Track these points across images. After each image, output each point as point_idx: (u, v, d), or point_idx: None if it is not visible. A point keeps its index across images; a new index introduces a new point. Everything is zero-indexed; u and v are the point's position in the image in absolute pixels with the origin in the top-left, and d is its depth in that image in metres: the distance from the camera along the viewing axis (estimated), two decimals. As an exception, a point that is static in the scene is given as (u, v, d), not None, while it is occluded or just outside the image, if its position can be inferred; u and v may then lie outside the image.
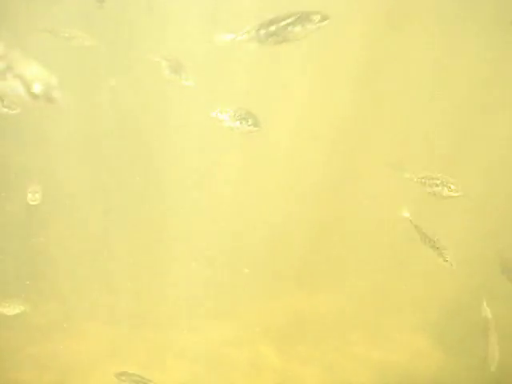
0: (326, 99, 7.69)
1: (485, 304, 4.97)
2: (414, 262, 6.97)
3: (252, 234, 7.20)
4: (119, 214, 7.18)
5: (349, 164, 7.61)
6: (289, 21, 2.95)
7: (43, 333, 6.24)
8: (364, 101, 7.61)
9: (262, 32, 3.08)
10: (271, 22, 3.03)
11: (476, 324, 6.30)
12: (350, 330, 6.78)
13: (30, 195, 5.22)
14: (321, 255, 7.29)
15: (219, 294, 6.80)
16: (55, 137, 7.06)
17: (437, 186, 4.55)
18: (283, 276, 7.14)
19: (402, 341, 6.73)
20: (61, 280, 6.58)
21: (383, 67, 7.53)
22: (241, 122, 4.03)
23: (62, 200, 6.86)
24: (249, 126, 4.03)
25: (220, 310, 6.84)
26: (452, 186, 4.46)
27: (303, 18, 2.92)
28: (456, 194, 4.50)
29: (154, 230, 7.12)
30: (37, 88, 2.22)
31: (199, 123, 5.42)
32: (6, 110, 4.16)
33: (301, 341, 6.63)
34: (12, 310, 5.31)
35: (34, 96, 2.23)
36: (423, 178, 4.70)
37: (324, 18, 2.91)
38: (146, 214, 7.27)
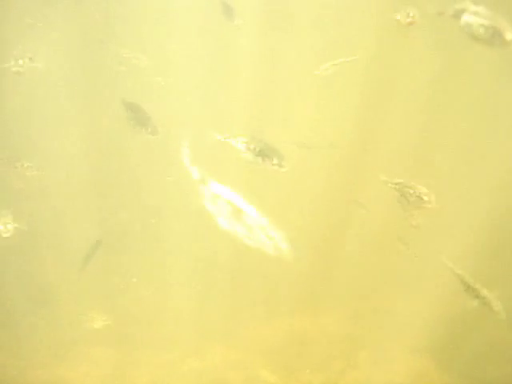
0: (329, 121, 7.76)
1: None
2: (417, 283, 6.90)
3: (252, 256, 7.21)
4: (117, 233, 7.31)
5: (350, 185, 7.58)
6: None
7: (46, 357, 6.38)
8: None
9: None
10: None
11: (481, 347, 6.20)
12: (353, 353, 6.71)
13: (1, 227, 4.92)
14: (322, 276, 7.23)
15: (219, 317, 6.80)
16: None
17: (410, 195, 4.40)
18: (284, 298, 7.12)
19: (405, 363, 6.61)
20: (61, 304, 6.76)
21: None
22: (263, 159, 3.33)
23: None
24: (273, 165, 3.32)
25: (220, 333, 6.83)
26: (425, 198, 4.25)
27: None
28: (430, 206, 4.30)
29: (155, 253, 7.22)
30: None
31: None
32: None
33: (302, 364, 6.56)
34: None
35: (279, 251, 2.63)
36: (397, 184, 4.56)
37: None
38: (146, 237, 7.38)
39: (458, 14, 3.06)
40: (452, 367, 6.44)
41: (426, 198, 4.26)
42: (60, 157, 7.44)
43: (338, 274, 7.33)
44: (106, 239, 6.52)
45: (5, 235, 4.67)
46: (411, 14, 4.67)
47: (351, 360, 6.65)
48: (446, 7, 3.19)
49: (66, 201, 7.37)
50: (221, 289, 7.09)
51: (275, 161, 3.34)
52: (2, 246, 5.25)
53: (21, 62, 4.97)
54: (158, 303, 7.00)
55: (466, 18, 3.01)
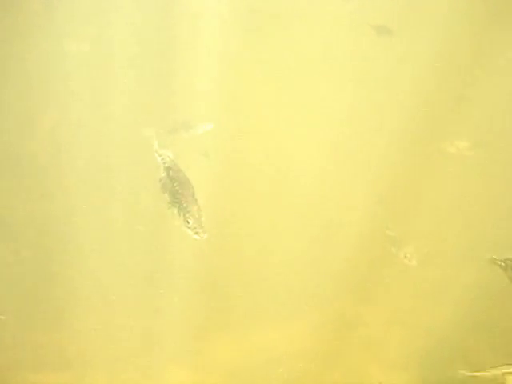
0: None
1: None
2: (399, 298, 6.56)
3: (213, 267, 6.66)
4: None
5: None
6: None
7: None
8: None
9: None
10: None
11: (460, 364, 5.95)
12: (327, 370, 6.23)
13: None
14: (292, 286, 6.75)
15: (179, 336, 6.21)
16: None
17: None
18: (250, 310, 6.58)
19: (381, 380, 6.21)
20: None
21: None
22: None
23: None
24: None
25: (179, 353, 6.22)
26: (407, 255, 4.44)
27: None
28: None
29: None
30: None
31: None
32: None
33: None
34: None
35: None
36: None
37: None
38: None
39: None
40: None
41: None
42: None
43: (306, 282, 6.84)
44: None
45: None
46: None
47: (326, 378, 6.16)
48: None
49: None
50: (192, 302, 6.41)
51: None
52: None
53: None
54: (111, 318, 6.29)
55: None
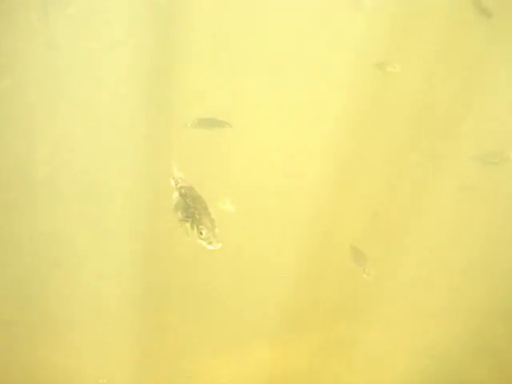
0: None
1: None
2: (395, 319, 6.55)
3: (205, 280, 6.62)
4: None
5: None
6: None
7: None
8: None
9: None
10: None
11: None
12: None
13: None
14: (288, 306, 6.71)
15: (166, 351, 6.12)
16: None
17: None
18: (254, 333, 6.48)
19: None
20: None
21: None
22: None
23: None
24: None
25: (167, 370, 6.10)
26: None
27: None
28: None
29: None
30: None
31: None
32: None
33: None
34: None
35: None
36: None
37: None
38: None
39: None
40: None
41: None
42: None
43: (298, 302, 6.73)
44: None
45: None
46: None
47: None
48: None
49: None
50: (170, 318, 6.42)
51: None
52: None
53: None
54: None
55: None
